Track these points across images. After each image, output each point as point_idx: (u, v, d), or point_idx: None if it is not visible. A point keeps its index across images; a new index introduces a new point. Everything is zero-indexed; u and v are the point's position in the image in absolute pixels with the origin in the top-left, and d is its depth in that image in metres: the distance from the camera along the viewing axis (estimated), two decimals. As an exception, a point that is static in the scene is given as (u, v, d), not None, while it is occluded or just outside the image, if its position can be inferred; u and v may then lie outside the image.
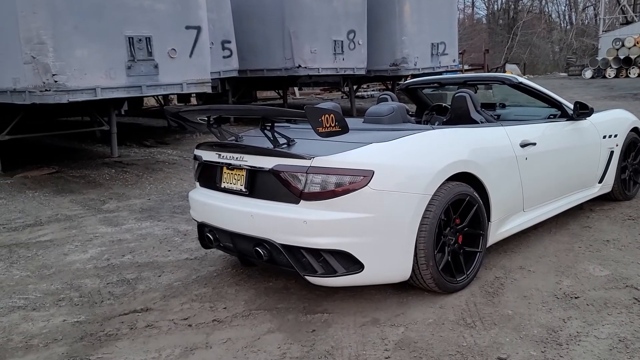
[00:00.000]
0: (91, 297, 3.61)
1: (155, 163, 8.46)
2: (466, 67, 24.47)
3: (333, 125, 2.93)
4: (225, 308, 3.36)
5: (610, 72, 26.19)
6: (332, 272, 3.02)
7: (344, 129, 2.99)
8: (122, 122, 12.24)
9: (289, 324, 3.12)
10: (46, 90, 6.30)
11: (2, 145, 7.80)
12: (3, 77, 6.77)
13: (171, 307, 3.40)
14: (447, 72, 14.49)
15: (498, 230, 3.76)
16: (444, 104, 5.12)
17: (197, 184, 3.79)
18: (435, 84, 5.04)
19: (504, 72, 29.60)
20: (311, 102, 18.63)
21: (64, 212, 5.80)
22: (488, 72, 25.86)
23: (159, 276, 3.92)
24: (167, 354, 2.84)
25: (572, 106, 4.53)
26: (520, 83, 4.33)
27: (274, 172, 3.08)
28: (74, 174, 7.66)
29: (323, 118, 2.89)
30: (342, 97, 18.89)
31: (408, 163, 3.15)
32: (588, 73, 26.97)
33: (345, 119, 3.56)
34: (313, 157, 2.98)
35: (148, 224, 5.27)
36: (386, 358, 2.70)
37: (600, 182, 4.90)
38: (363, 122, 3.87)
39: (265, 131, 3.19)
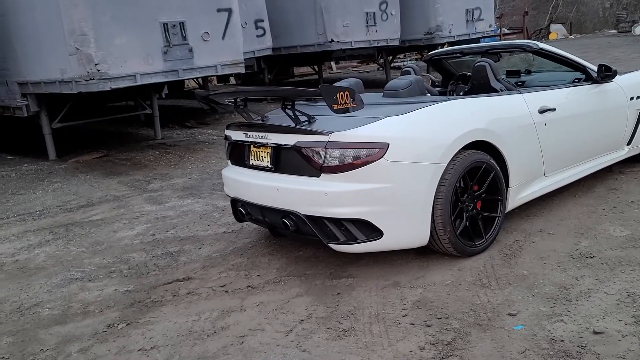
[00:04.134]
0: (139, 269, 3.97)
1: (196, 143, 8.83)
2: (505, 30, 23.76)
3: (348, 101, 3.12)
4: (258, 275, 3.64)
5: (662, 27, 24.87)
6: (353, 240, 3.24)
7: (359, 105, 3.17)
8: (165, 105, 12.71)
9: (316, 288, 3.37)
10: (90, 79, 6.68)
11: (55, 132, 8.33)
12: (51, 69, 7.21)
13: (210, 276, 3.72)
14: (483, 37, 14.24)
15: (518, 195, 3.88)
16: (469, 73, 5.18)
17: (229, 162, 4.06)
18: (458, 54, 5.11)
19: (548, 33, 28.62)
20: (347, 75, 18.66)
21: (112, 193, 6.23)
22: (528, 35, 25.06)
23: (199, 249, 4.24)
24: (206, 317, 3.16)
25: (596, 69, 4.53)
26: (541, 49, 4.36)
27: (296, 149, 3.30)
28: (121, 156, 8.12)
29: (338, 95, 3.08)
30: (378, 69, 18.82)
31: (422, 134, 3.31)
32: (638, 29, 25.69)
33: (366, 94, 3.76)
34: (331, 133, 3.18)
35: (189, 201, 5.62)
36: (403, 316, 2.92)
37: (628, 144, 4.89)
38: (382, 97, 4.02)
39: (287, 110, 3.40)
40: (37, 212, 5.68)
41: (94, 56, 6.61)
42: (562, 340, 2.55)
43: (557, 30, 29.12)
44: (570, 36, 28.71)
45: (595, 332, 2.57)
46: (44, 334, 3.14)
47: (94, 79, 6.66)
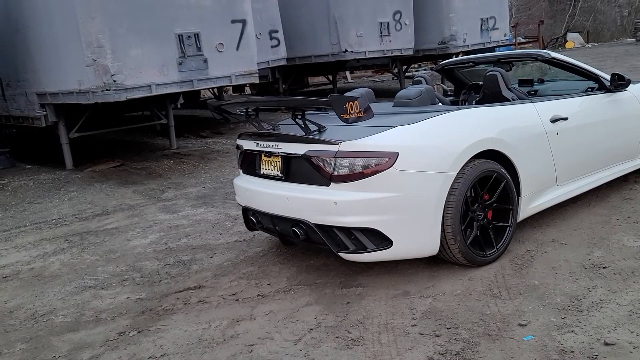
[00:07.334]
0: (151, 277, 4.01)
1: (210, 153, 8.91)
2: (521, 39, 23.63)
3: (357, 111, 3.13)
4: (269, 284, 3.66)
5: (682, 35, 24.55)
6: (362, 249, 3.24)
7: (368, 115, 3.19)
8: (181, 115, 12.85)
9: (326, 297, 3.38)
10: (107, 89, 6.81)
11: (72, 142, 8.47)
12: (69, 79, 7.35)
13: (221, 285, 3.74)
14: (498, 47, 14.20)
15: (530, 204, 3.85)
16: (481, 83, 5.17)
17: (240, 171, 4.10)
18: (470, 63, 5.11)
19: (565, 41, 28.40)
20: (362, 84, 18.70)
21: (127, 202, 6.31)
22: (544, 44, 24.92)
23: (211, 257, 4.27)
24: (216, 325, 3.18)
25: (609, 78, 4.50)
26: (553, 58, 4.34)
27: (306, 158, 3.32)
28: (136, 166, 8.22)
29: (347, 105, 3.10)
30: (392, 79, 18.83)
31: (432, 143, 3.31)
32: (656, 37, 25.39)
33: (376, 103, 3.77)
34: (340, 142, 3.20)
35: (202, 210, 5.67)
36: (412, 326, 2.91)
37: (643, 153, 4.84)
38: (393, 106, 4.03)
39: (297, 119, 3.43)
40: (53, 221, 5.77)
41: (111, 67, 6.74)
42: (573, 351, 2.52)
43: (574, 39, 28.89)
44: (587, 45, 28.48)
45: (606, 344, 2.54)
46: (57, 341, 3.19)
47: (110, 90, 6.78)
